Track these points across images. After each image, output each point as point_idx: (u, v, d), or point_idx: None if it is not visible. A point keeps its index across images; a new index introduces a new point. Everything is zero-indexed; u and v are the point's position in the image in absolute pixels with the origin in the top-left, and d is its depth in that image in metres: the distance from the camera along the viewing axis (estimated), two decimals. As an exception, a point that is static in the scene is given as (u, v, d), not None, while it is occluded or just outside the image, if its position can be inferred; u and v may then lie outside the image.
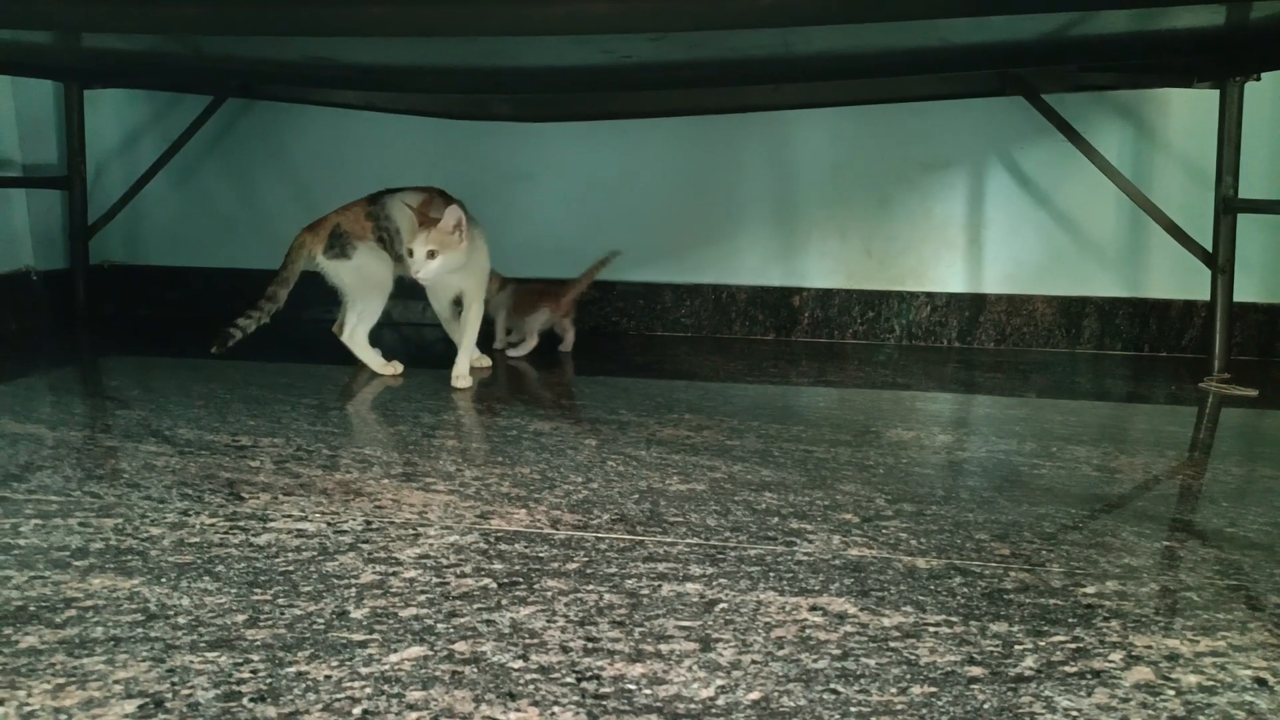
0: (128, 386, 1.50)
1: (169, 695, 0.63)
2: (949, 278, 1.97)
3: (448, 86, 1.72)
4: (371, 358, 1.59)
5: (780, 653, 0.69)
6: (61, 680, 0.64)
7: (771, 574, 0.83)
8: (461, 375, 1.52)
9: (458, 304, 1.57)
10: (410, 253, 1.40)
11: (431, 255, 1.39)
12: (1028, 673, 0.67)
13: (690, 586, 0.80)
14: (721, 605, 0.77)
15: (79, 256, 2.04)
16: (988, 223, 1.94)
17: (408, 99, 1.92)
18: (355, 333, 1.57)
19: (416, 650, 0.69)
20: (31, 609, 0.74)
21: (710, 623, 0.74)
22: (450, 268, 1.42)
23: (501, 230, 2.00)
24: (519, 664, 0.67)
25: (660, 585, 0.80)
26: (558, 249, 2.01)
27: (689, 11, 0.93)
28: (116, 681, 0.64)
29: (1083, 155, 1.77)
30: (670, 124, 1.99)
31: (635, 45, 1.25)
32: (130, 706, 0.61)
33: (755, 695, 0.63)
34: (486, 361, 1.66)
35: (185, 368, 1.64)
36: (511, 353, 1.78)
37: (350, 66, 1.66)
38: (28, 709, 0.60)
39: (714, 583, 0.81)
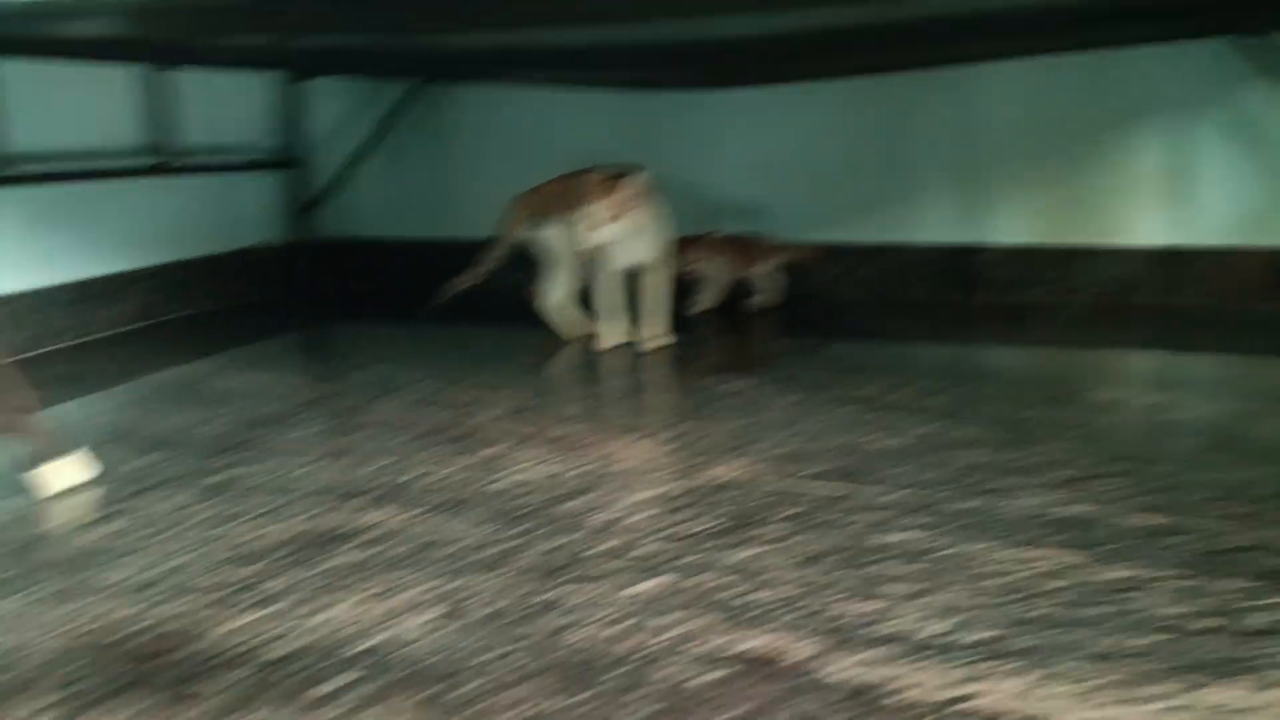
0: (359, 349, 1.67)
1: (459, 608, 0.73)
2: (1150, 232, 1.88)
3: (640, 63, 1.79)
4: (568, 322, 1.69)
5: (1004, 598, 0.73)
6: (371, 592, 0.76)
7: (986, 526, 0.86)
8: (655, 337, 1.60)
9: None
10: (590, 217, 1.47)
11: (610, 220, 1.46)
12: (1255, 627, 0.68)
13: (906, 535, 0.84)
14: (940, 553, 0.81)
15: (302, 232, 2.25)
16: (1192, 173, 1.84)
17: (597, 74, 2.01)
18: (553, 298, 1.68)
19: (662, 579, 0.77)
20: (333, 535, 0.87)
21: (931, 568, 0.78)
22: (628, 233, 1.49)
23: (682, 194, 2.06)
24: (753, 597, 0.74)
25: (875, 533, 0.85)
26: (739, 211, 2.05)
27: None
28: (414, 595, 0.75)
29: (1307, 99, 1.65)
30: (849, 83, 1.98)
31: (828, 12, 1.27)
32: (432, 614, 0.72)
33: (986, 635, 0.68)
34: (668, 339, 1.64)
35: (404, 332, 1.80)
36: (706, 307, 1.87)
37: (548, 49, 1.75)
38: (352, 612, 0.72)
39: (929, 532, 0.85)
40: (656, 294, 1.60)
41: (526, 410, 1.26)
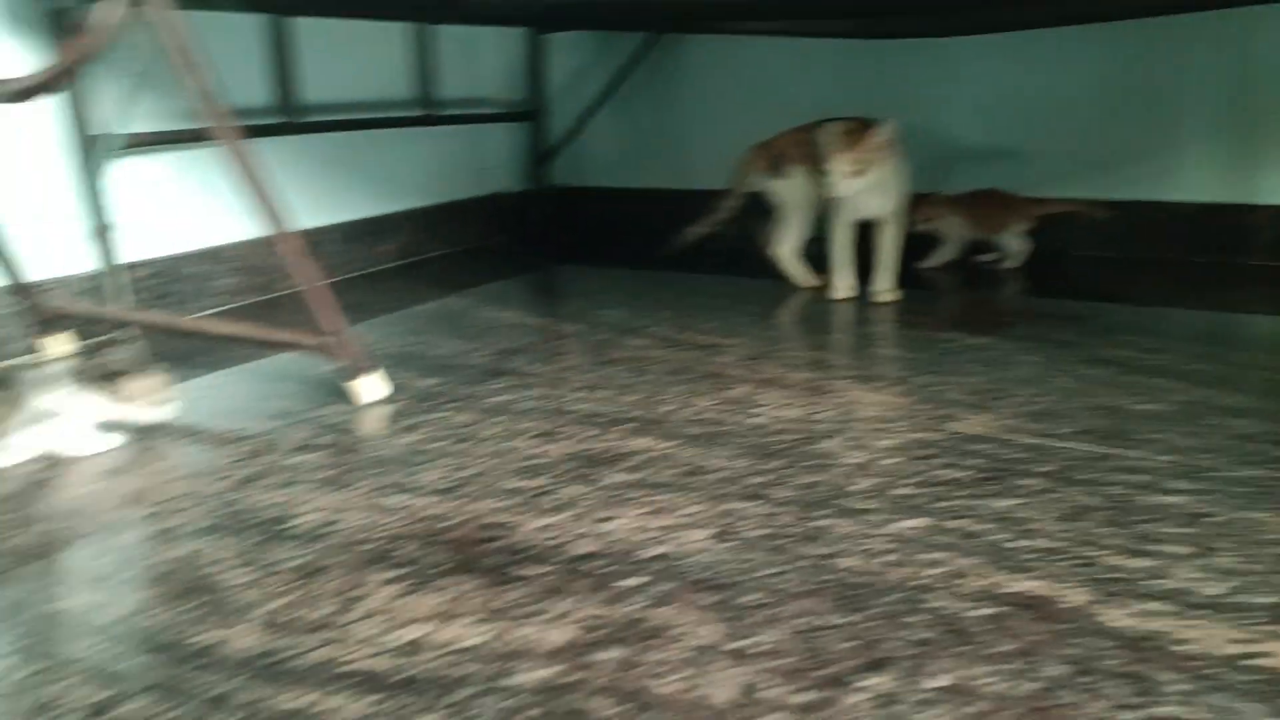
0: (595, 291, 1.77)
1: (729, 529, 0.79)
2: None
3: (872, 10, 1.76)
4: (798, 271, 1.72)
5: (1290, 566, 0.71)
6: (647, 508, 0.84)
7: (1266, 496, 0.82)
8: (884, 290, 1.60)
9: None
10: (832, 170, 1.48)
11: (854, 174, 1.47)
12: None
13: (1174, 499, 0.83)
14: (1213, 519, 0.79)
15: (539, 180, 2.39)
16: None
17: (825, 24, 1.99)
18: (785, 248, 1.71)
19: (919, 520, 0.80)
20: (605, 458, 0.96)
21: (1203, 533, 0.76)
22: (869, 186, 1.49)
23: (915, 146, 2.02)
24: (1017, 544, 0.76)
25: (1141, 494, 0.84)
26: (971, 163, 1.99)
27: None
28: (686, 514, 0.82)
29: None
30: (1097, 29, 1.86)
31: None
32: (703, 534, 0.79)
33: (1273, 599, 0.66)
34: (898, 294, 1.62)
35: (639, 277, 1.88)
36: (987, 258, 1.85)
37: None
38: (633, 525, 0.80)
39: (1199, 498, 0.83)
40: (891, 248, 1.60)
41: (765, 355, 1.30)
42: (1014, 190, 1.84)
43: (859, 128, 1.49)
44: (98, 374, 0.99)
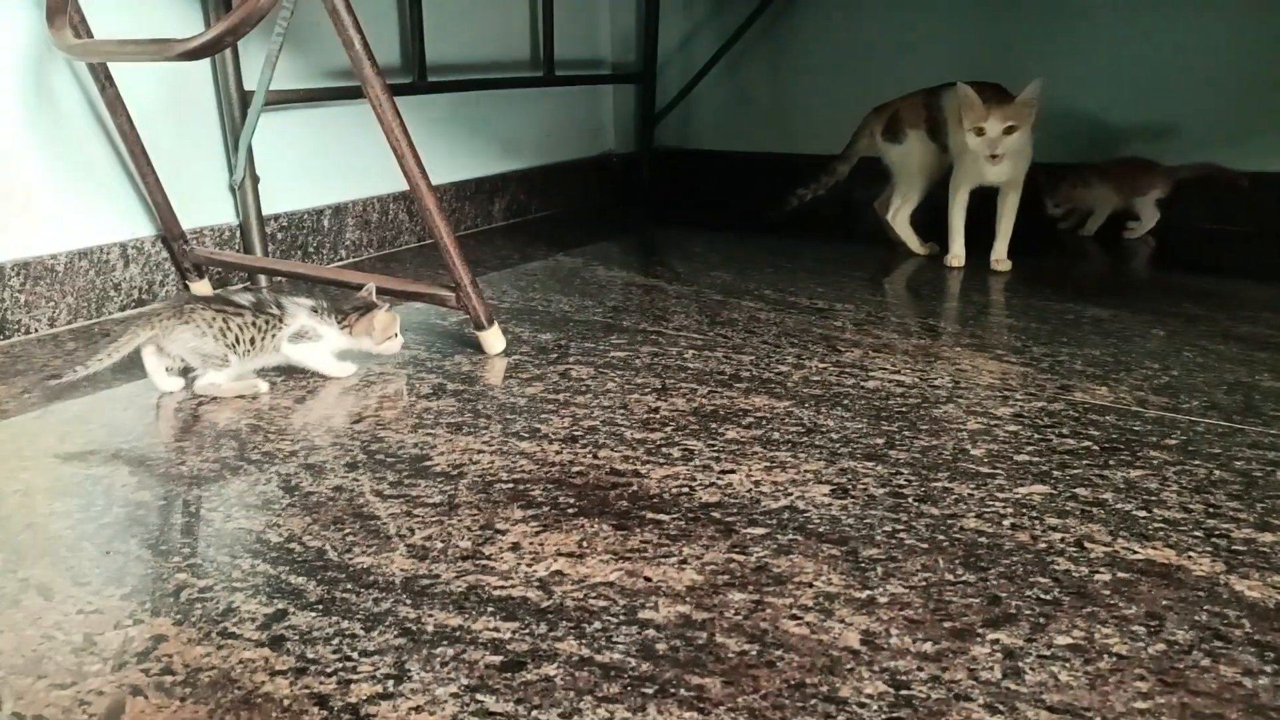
0: (705, 253, 1.79)
1: (849, 486, 0.81)
2: None
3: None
4: (910, 237, 1.70)
5: None
6: (766, 464, 0.86)
7: None
8: (1000, 259, 1.58)
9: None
10: (980, 131, 1.45)
11: (1009, 131, 1.44)
12: None
13: (1310, 476, 0.81)
14: (1352, 497, 0.77)
15: (646, 142, 2.41)
16: None
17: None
18: (898, 213, 1.69)
19: (1041, 488, 0.81)
20: (721, 414, 0.98)
21: (1342, 511, 0.75)
22: (1019, 145, 1.47)
23: (1046, 112, 1.96)
24: (1143, 514, 0.76)
25: (1274, 470, 0.82)
26: (1103, 126, 1.92)
27: None
28: (806, 470, 0.85)
29: None
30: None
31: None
32: (824, 489, 0.81)
33: None
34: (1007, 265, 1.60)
35: (746, 239, 1.89)
36: (1130, 235, 1.82)
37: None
38: (753, 478, 0.83)
39: (1338, 476, 0.81)
40: (1010, 215, 1.57)
41: (877, 320, 1.31)
42: (1150, 158, 1.79)
43: (995, 92, 1.46)
44: (338, 309, 1.10)
